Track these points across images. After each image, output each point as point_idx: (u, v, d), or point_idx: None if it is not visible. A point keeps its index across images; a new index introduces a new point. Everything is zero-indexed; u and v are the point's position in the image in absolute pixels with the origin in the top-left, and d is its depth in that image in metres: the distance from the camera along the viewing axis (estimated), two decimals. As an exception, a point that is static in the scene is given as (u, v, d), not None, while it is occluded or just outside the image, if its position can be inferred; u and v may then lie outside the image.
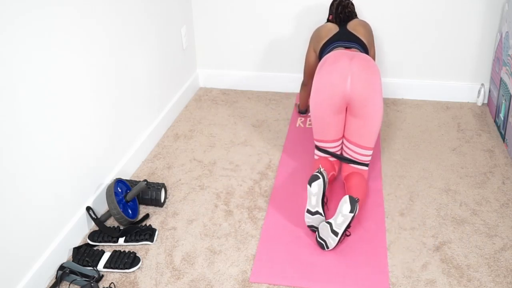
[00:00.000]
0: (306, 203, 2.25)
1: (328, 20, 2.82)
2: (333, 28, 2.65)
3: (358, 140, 2.35)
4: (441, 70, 3.29)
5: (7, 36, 1.67)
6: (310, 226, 2.18)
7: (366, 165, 2.40)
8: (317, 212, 2.13)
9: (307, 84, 2.91)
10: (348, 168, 2.42)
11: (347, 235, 2.18)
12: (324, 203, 2.19)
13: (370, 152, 2.38)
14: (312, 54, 2.77)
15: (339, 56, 2.32)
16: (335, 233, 2.05)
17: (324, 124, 2.36)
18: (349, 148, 2.39)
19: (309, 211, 2.15)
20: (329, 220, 2.08)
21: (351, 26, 2.65)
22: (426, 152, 2.78)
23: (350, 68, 2.27)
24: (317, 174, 2.16)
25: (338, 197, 2.41)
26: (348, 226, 2.07)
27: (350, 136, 2.36)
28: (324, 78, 2.30)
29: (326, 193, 2.37)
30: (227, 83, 3.59)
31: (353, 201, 2.05)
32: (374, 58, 2.77)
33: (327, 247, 2.09)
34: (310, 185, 2.13)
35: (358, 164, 2.40)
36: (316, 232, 2.14)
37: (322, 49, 2.62)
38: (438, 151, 2.78)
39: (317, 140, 2.44)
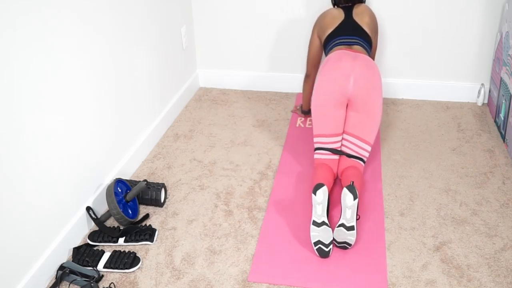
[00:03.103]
0: (312, 214, 2.11)
1: (333, 5, 2.77)
2: (338, 16, 2.63)
3: (359, 133, 2.38)
4: (441, 70, 3.29)
5: (7, 37, 1.67)
6: (317, 243, 2.04)
7: (363, 160, 2.42)
8: (323, 223, 2.04)
9: (310, 75, 2.89)
10: (345, 162, 2.41)
11: (357, 219, 2.16)
12: (328, 214, 2.13)
13: (369, 148, 2.41)
14: (316, 40, 2.75)
15: (342, 56, 2.40)
16: (351, 228, 2.03)
17: (323, 116, 2.38)
18: (349, 141, 2.40)
19: (315, 223, 2.05)
20: (340, 222, 2.05)
21: (357, 13, 2.63)
22: (426, 152, 2.78)
23: (353, 68, 2.35)
24: (321, 182, 2.13)
25: (338, 201, 2.41)
26: (356, 213, 2.07)
27: (350, 129, 2.39)
28: (327, 74, 2.38)
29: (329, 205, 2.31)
30: (227, 83, 3.59)
31: (351, 188, 2.04)
32: (376, 47, 2.77)
33: (350, 245, 2.08)
34: (315, 194, 2.06)
35: (356, 158, 2.40)
36: (333, 240, 2.08)
37: (326, 40, 2.63)
38: (438, 151, 2.78)
39: (317, 136, 2.43)
